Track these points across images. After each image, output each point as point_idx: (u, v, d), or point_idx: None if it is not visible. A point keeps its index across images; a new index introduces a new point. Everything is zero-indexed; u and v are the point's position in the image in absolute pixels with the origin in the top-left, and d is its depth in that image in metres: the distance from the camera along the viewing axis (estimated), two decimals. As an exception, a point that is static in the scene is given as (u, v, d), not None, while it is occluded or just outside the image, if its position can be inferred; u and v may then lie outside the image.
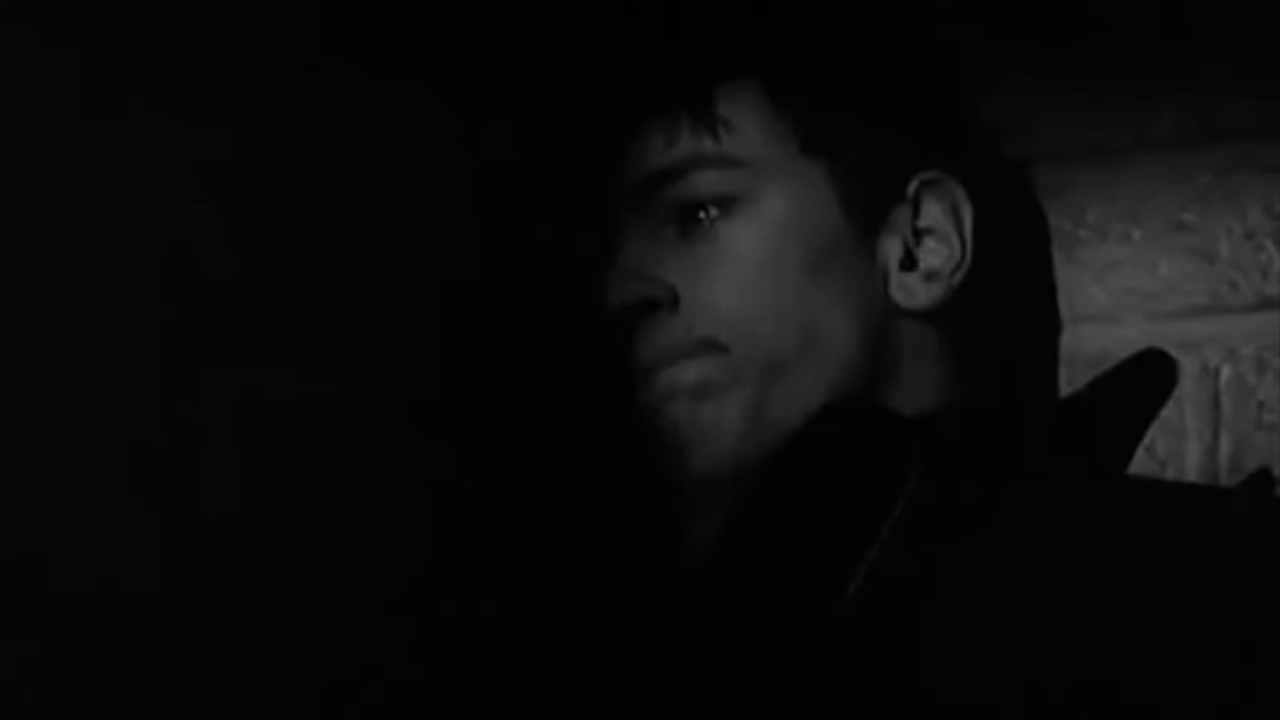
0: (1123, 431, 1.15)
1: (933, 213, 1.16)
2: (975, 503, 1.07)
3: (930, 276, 1.16)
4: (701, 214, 1.15)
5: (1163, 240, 1.41)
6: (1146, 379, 1.16)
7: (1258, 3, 1.37)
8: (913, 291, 1.16)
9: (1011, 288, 1.19)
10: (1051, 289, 1.24)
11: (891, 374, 1.15)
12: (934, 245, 1.16)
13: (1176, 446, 1.41)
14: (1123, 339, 1.40)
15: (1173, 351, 1.28)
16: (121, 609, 1.03)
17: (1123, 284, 1.41)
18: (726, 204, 1.15)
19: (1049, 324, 1.23)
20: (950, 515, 1.07)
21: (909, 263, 1.16)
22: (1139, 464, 1.16)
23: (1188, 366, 1.39)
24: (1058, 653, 1.00)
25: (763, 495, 1.10)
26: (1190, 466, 1.37)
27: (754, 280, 1.14)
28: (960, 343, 1.16)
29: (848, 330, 1.14)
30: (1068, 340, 1.23)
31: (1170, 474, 1.28)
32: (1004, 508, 1.07)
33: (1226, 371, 1.38)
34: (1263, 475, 1.15)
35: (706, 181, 1.15)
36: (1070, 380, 1.23)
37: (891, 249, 1.16)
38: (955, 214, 1.16)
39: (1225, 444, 1.37)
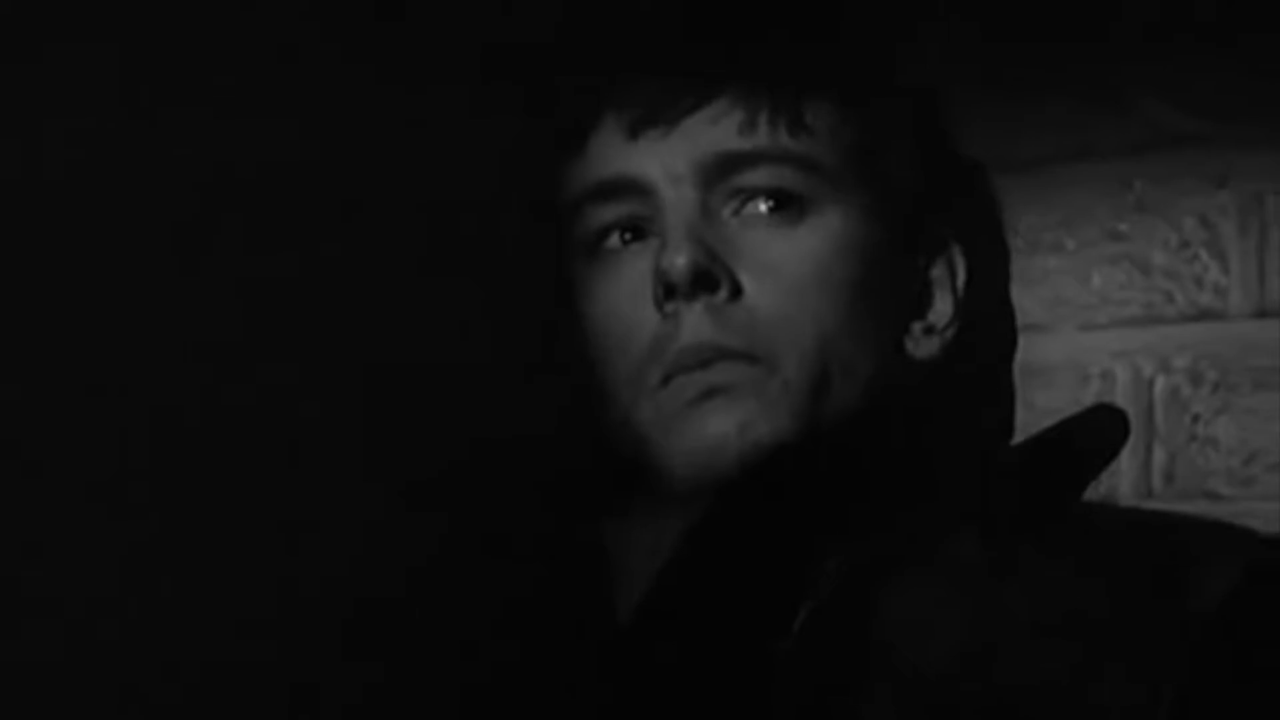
0: (1066, 485, 1.15)
1: (938, 266, 1.18)
2: (920, 545, 1.08)
3: (930, 330, 1.17)
4: (764, 207, 1.14)
5: (1096, 250, 1.40)
6: (1094, 435, 1.17)
7: (1192, 14, 1.36)
8: (917, 341, 1.17)
9: (983, 341, 1.21)
10: (1014, 339, 1.26)
11: (883, 417, 1.14)
12: (938, 298, 1.18)
13: (1110, 459, 1.42)
14: (1055, 350, 1.40)
15: (1105, 362, 1.35)
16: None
17: (1055, 294, 1.41)
18: (795, 206, 1.13)
19: (1010, 369, 1.25)
20: (895, 557, 1.08)
21: (917, 313, 1.17)
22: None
23: (1121, 378, 1.39)
24: (997, 695, 1.01)
25: (705, 533, 1.09)
26: (1124, 480, 1.36)
27: (808, 295, 1.12)
28: (937, 395, 1.17)
29: (874, 368, 1.14)
30: (1000, 351, 1.24)
31: (1103, 488, 1.26)
32: (946, 550, 1.08)
33: (1160, 383, 1.38)
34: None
35: (783, 177, 1.13)
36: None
37: (910, 295, 1.17)
38: (952, 270, 1.18)
39: (1159, 457, 1.37)
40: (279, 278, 1.15)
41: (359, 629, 1.14)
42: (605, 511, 1.17)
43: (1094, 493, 1.19)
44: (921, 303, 1.18)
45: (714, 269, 1.12)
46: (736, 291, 1.12)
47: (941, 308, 1.18)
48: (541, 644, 1.15)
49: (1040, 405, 1.36)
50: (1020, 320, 1.34)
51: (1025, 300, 1.35)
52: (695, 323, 1.12)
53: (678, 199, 1.14)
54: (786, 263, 1.13)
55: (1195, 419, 1.36)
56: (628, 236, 1.16)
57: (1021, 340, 1.33)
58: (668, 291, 1.12)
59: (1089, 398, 1.38)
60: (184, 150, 1.11)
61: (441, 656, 1.15)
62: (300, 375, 1.15)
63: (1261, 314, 1.34)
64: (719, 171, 1.14)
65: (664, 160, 1.14)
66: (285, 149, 1.15)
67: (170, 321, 1.09)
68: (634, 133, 1.15)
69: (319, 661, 1.12)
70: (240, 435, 1.11)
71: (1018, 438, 1.28)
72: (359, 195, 1.19)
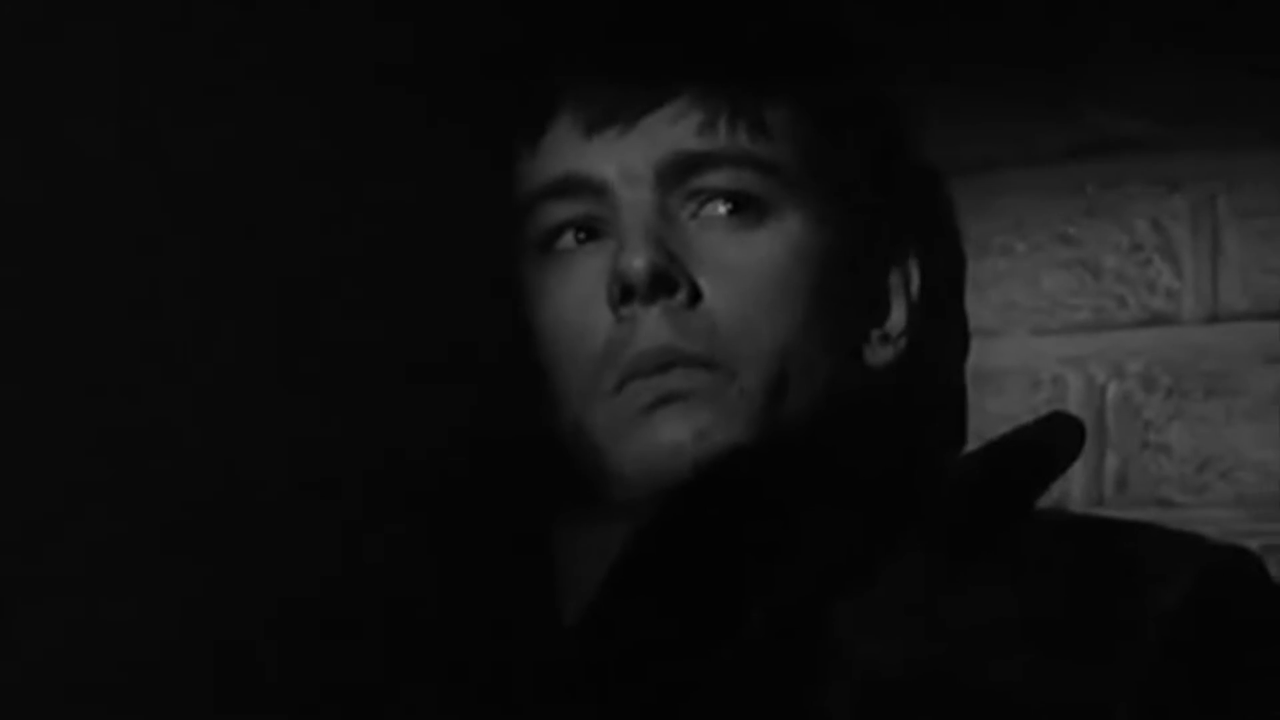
0: (1019, 493, 1.15)
1: (894, 273, 1.19)
2: (873, 552, 1.08)
3: (885, 338, 1.18)
4: (723, 209, 1.13)
5: (1046, 254, 1.38)
6: (1049, 443, 1.17)
7: (1143, 15, 1.35)
8: (873, 349, 1.18)
9: (937, 348, 1.24)
10: (966, 346, 1.28)
11: (839, 425, 1.14)
12: (893, 305, 1.19)
13: (1061, 466, 1.39)
14: (1005, 355, 1.38)
15: (1056, 368, 1.34)
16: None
17: (1005, 299, 1.39)
18: (754, 209, 1.13)
19: (963, 376, 1.28)
20: (847, 563, 1.08)
21: (873, 320, 1.18)
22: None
23: (1072, 383, 1.37)
24: (951, 700, 1.01)
25: (655, 534, 1.08)
26: (1075, 486, 1.34)
27: (768, 300, 1.12)
28: (891, 402, 1.18)
29: (831, 376, 1.14)
30: (949, 356, 1.21)
31: (1055, 494, 1.23)
32: (899, 557, 1.08)
33: (1113, 389, 1.36)
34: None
35: (742, 179, 1.13)
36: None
37: (867, 302, 1.18)
38: (907, 277, 1.19)
39: (1111, 464, 1.35)
40: (228, 278, 1.14)
41: (300, 633, 1.14)
42: (554, 518, 1.16)
43: (1045, 499, 1.19)
44: (878, 310, 1.19)
45: (673, 271, 1.11)
46: (695, 296, 1.11)
47: (897, 315, 1.19)
48: (486, 649, 1.14)
49: (991, 411, 1.35)
50: (970, 325, 1.36)
51: (975, 305, 1.35)
52: (652, 327, 1.11)
53: (635, 199, 1.13)
54: (746, 267, 1.12)
55: (1147, 425, 1.34)
56: (582, 236, 1.15)
57: (972, 345, 1.35)
58: (624, 294, 1.11)
59: (1040, 403, 1.36)
60: (127, 152, 1.10)
61: (385, 662, 1.15)
62: (246, 374, 1.14)
63: (1214, 319, 1.33)
64: (677, 172, 1.13)
65: (621, 160, 1.13)
66: (226, 150, 1.14)
67: (103, 321, 1.08)
68: (590, 131, 1.14)
69: (260, 664, 1.12)
70: (177, 434, 1.11)
71: (971, 444, 1.31)
72: (301, 193, 1.17)
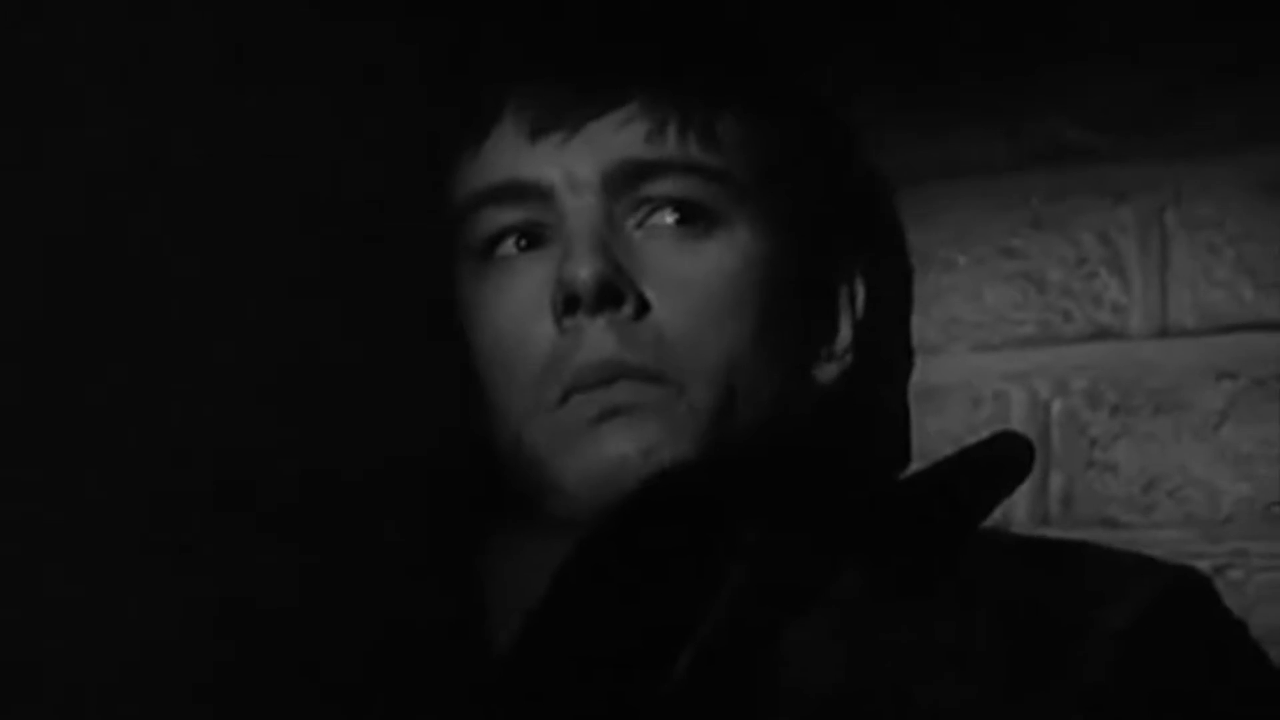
0: (964, 514, 1.15)
1: (841, 290, 1.19)
2: (813, 574, 1.08)
3: (830, 356, 1.18)
4: (670, 218, 1.12)
5: (990, 267, 1.36)
6: (996, 463, 1.16)
7: (1088, 23, 1.34)
8: (820, 366, 1.18)
9: (882, 366, 1.24)
10: (910, 361, 1.29)
11: (784, 443, 1.14)
12: (840, 322, 1.19)
13: (1004, 485, 1.37)
14: (947, 371, 1.36)
15: (999, 384, 1.33)
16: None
17: (947, 313, 1.37)
18: (703, 219, 1.12)
19: (905, 394, 1.29)
20: (787, 585, 1.07)
21: (820, 336, 1.18)
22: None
23: (1016, 400, 1.35)
24: None
25: (596, 551, 1.06)
26: (1019, 506, 1.32)
27: (718, 314, 1.11)
28: (835, 421, 1.18)
29: (779, 393, 1.13)
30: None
31: (997, 515, 1.20)
32: (839, 580, 1.07)
33: (1057, 406, 1.34)
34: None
35: (691, 188, 1.12)
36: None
37: (815, 318, 1.17)
38: (853, 294, 1.20)
39: (1056, 483, 1.33)
40: (137, 283, 1.11)
41: (221, 660, 1.12)
42: (489, 538, 1.14)
43: (988, 519, 1.17)
44: (825, 326, 1.18)
45: (619, 282, 1.09)
46: (642, 307, 1.10)
47: (844, 332, 1.18)
48: (413, 677, 1.12)
49: (931, 429, 1.34)
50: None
51: (917, 320, 1.34)
52: (598, 338, 1.09)
53: (580, 206, 1.11)
54: (694, 279, 1.11)
55: (1093, 443, 1.33)
56: (523, 243, 1.13)
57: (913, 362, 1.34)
58: (569, 304, 1.09)
59: (982, 421, 1.34)
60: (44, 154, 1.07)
61: (311, 689, 1.12)
62: (162, 384, 1.11)
63: (1163, 334, 1.31)
64: (624, 180, 1.11)
65: (566, 165, 1.11)
66: (149, 150, 1.12)
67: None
68: (535, 135, 1.12)
69: (185, 686, 1.10)
70: (90, 440, 1.08)
71: (912, 463, 1.29)
72: (224, 194, 1.15)
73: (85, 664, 1.05)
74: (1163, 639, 1.05)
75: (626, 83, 1.13)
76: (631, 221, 1.13)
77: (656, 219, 1.13)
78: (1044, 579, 1.07)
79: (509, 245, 1.14)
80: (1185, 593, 1.09)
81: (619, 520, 1.07)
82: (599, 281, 1.09)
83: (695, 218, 1.12)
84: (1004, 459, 1.17)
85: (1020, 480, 1.18)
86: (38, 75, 1.06)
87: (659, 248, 1.12)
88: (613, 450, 1.09)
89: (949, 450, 1.22)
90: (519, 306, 1.12)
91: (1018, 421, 1.34)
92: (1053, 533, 1.30)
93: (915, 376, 1.33)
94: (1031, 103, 1.35)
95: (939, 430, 1.34)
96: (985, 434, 1.26)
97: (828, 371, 1.18)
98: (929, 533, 1.12)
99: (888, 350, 1.30)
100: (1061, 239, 1.35)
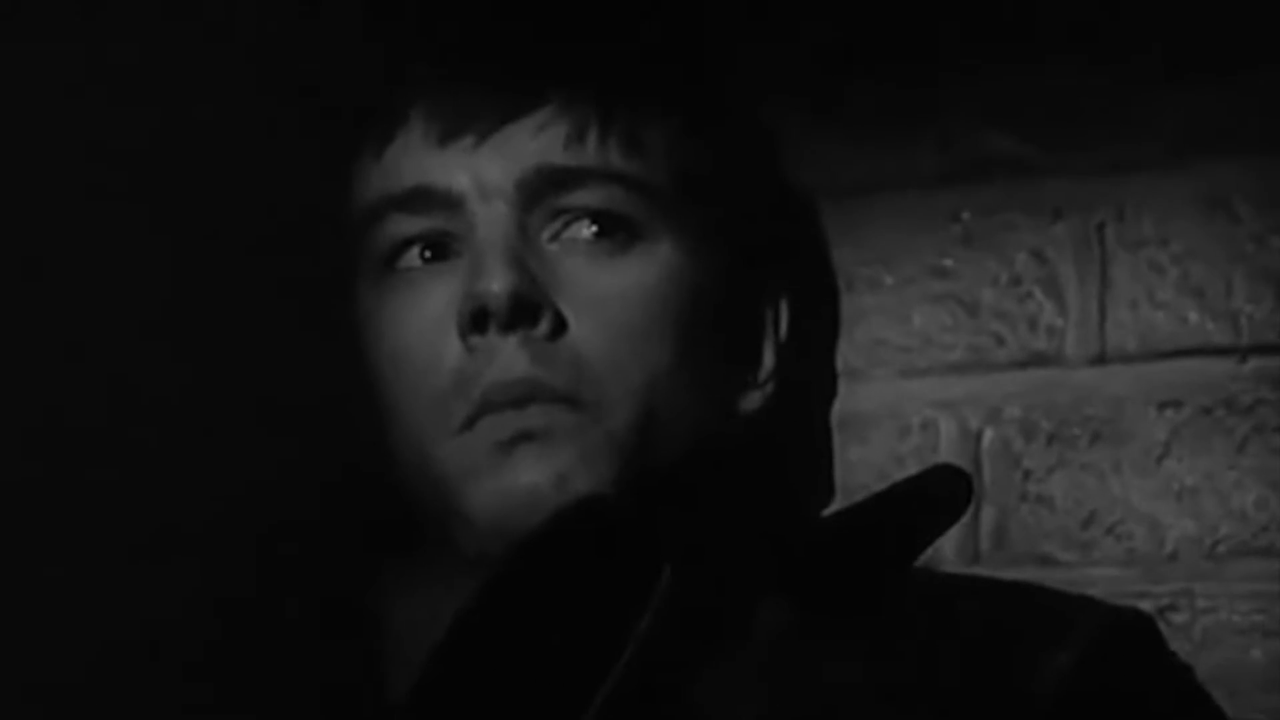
0: (893, 551, 1.12)
1: (765, 313, 1.18)
2: (732, 612, 1.06)
3: (754, 382, 1.17)
4: (587, 231, 1.10)
5: (917, 288, 1.33)
6: (930, 499, 1.14)
7: (1018, 35, 1.31)
8: (742, 392, 1.17)
9: (805, 393, 1.22)
10: (833, 388, 1.27)
11: (704, 473, 1.12)
12: (764, 347, 1.18)
13: (932, 520, 1.38)
14: (871, 398, 1.33)
15: (928, 412, 1.31)
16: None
17: (872, 336, 1.33)
18: (623, 232, 1.10)
19: (827, 426, 1.27)
20: (706, 624, 1.05)
21: (743, 361, 1.17)
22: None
23: (945, 429, 1.32)
24: None
25: (500, 591, 1.03)
26: (947, 543, 1.27)
27: (638, 336, 1.09)
28: (754, 451, 1.16)
29: (701, 420, 1.12)
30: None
31: (926, 551, 1.15)
32: (759, 617, 1.06)
33: (989, 435, 1.31)
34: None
35: (611, 198, 1.10)
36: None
37: (738, 341, 1.16)
38: (777, 318, 1.18)
39: (988, 518, 1.30)
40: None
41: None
42: (386, 576, 1.12)
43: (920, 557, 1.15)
44: (748, 350, 1.16)
45: (535, 297, 1.07)
46: (559, 326, 1.07)
47: (767, 358, 1.17)
48: None
49: (855, 459, 1.32)
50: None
51: (840, 343, 1.32)
52: (509, 357, 1.06)
53: (491, 216, 1.08)
54: (613, 296, 1.08)
55: (1027, 476, 1.29)
56: (429, 255, 1.10)
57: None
58: (477, 320, 1.06)
59: (909, 451, 1.31)
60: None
61: None
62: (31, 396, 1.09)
63: (1102, 359, 1.28)
64: (540, 188, 1.09)
65: (476, 171, 1.09)
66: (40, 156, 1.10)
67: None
68: (444, 139, 1.10)
69: None
70: None
71: (836, 493, 1.28)
72: (114, 200, 1.13)
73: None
74: (1103, 683, 1.03)
75: (544, 85, 1.11)
76: (546, 234, 1.10)
77: (573, 231, 1.11)
78: (979, 619, 1.06)
79: (413, 256, 1.11)
80: (1127, 633, 1.07)
81: (526, 558, 1.04)
82: (512, 296, 1.06)
83: (615, 230, 1.10)
84: (940, 495, 1.14)
85: (957, 518, 1.15)
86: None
87: (576, 263, 1.10)
88: (524, 478, 1.07)
89: (873, 482, 1.22)
90: (424, 322, 1.09)
91: (947, 452, 1.31)
92: (984, 571, 1.28)
93: (838, 404, 1.31)
94: (962, 112, 1.33)
95: (862, 460, 1.31)
96: (912, 465, 1.27)
97: (751, 398, 1.17)
98: (860, 570, 1.10)
99: (810, 375, 1.28)
100: (994, 258, 1.32)
